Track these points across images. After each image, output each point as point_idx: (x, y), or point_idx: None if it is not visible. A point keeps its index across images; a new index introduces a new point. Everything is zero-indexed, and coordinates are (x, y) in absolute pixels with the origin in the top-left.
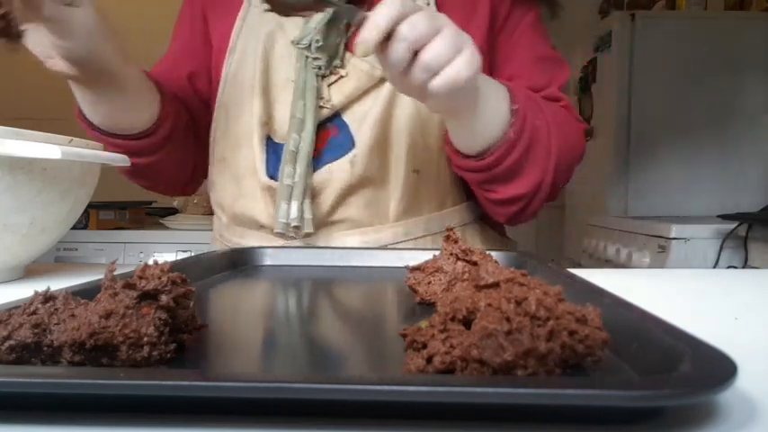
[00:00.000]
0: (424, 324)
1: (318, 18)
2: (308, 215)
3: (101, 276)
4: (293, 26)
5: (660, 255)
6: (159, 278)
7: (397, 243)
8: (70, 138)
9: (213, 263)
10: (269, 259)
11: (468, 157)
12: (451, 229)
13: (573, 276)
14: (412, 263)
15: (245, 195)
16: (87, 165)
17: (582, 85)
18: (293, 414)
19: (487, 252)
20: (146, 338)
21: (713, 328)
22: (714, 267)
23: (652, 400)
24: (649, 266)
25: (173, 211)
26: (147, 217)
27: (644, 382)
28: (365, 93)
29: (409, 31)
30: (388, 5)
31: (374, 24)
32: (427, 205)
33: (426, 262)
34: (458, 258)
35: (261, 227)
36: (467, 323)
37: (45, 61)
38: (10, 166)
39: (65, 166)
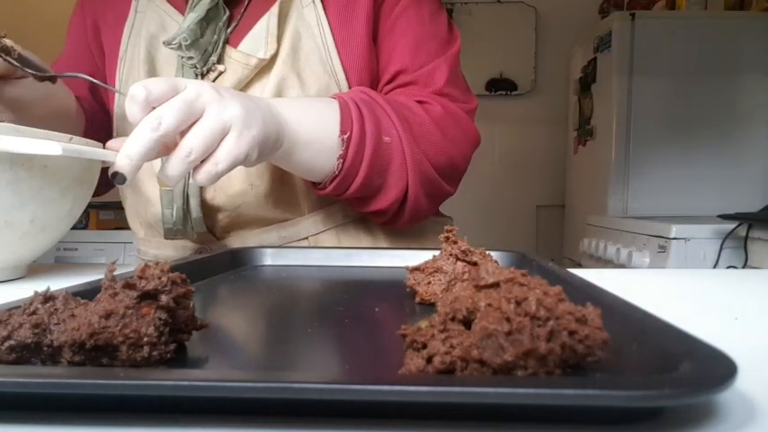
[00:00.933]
0: (424, 324)
1: (192, 17)
2: (195, 214)
3: (101, 276)
4: (175, 25)
5: (660, 255)
6: (159, 278)
7: (319, 233)
8: (70, 135)
9: (213, 263)
10: (269, 259)
11: (314, 184)
12: (451, 231)
13: (573, 276)
14: (412, 263)
15: (150, 200)
16: (87, 163)
17: (582, 85)
18: (293, 414)
19: (487, 252)
20: (146, 338)
21: (713, 328)
22: (714, 267)
23: (652, 400)
24: (649, 266)
25: None
26: None
27: (644, 382)
28: (248, 84)
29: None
30: (135, 135)
31: (126, 153)
32: (280, 213)
33: (426, 262)
34: (457, 259)
35: (174, 236)
36: (467, 323)
37: None
38: (10, 162)
39: (65, 164)
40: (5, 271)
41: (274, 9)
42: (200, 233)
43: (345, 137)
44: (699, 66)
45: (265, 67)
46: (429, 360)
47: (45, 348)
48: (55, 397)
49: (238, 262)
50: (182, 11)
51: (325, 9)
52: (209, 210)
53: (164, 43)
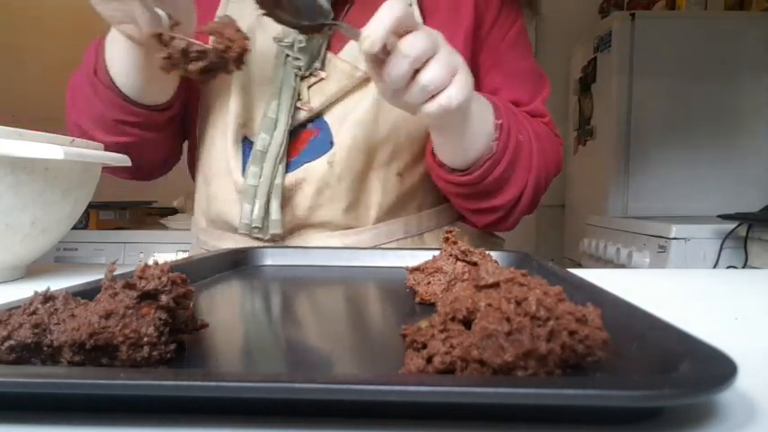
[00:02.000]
0: (424, 324)
1: None
2: (275, 216)
3: (101, 276)
4: (272, 23)
5: (660, 255)
6: (159, 278)
7: (378, 246)
8: (72, 138)
9: (213, 263)
10: (269, 259)
11: (452, 171)
12: (451, 231)
13: (573, 276)
14: (412, 263)
15: (216, 198)
16: (88, 165)
17: (582, 85)
18: (293, 414)
19: (487, 252)
20: (146, 338)
21: (713, 328)
22: (714, 267)
23: (652, 400)
24: (649, 266)
25: (173, 211)
26: (147, 217)
27: (644, 382)
28: (347, 94)
29: (410, 48)
30: (389, 8)
31: (379, 20)
32: (408, 207)
33: (426, 262)
34: (457, 259)
35: (236, 230)
36: (467, 323)
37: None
38: (12, 166)
39: (66, 167)
40: (5, 272)
41: None
42: (275, 234)
43: (499, 123)
44: (699, 65)
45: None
46: (429, 360)
47: (45, 348)
48: (55, 397)
49: (238, 262)
50: None
51: (425, 19)
52: (283, 210)
53: (274, 40)
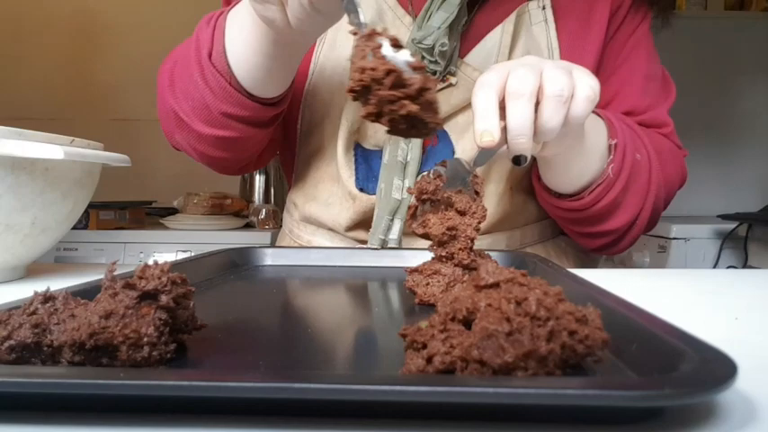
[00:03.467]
0: (424, 324)
1: (441, 17)
2: (394, 235)
3: (101, 276)
4: (393, 17)
5: (660, 255)
6: (159, 278)
7: None
8: (72, 138)
9: (213, 263)
10: (269, 259)
11: (559, 196)
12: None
13: (573, 276)
14: (412, 263)
15: (315, 199)
16: (88, 165)
17: None
18: (293, 414)
19: (487, 252)
20: (146, 338)
21: (713, 328)
22: (714, 267)
23: (652, 400)
24: (649, 266)
25: (173, 211)
26: (147, 217)
27: (644, 382)
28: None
29: (552, 89)
30: (481, 95)
31: (482, 113)
32: (514, 221)
33: (424, 264)
34: (458, 264)
35: (331, 230)
36: (467, 323)
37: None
38: (12, 166)
39: (66, 167)
40: (5, 272)
41: (508, 25)
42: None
43: (613, 143)
44: (698, 65)
45: None
46: (429, 360)
47: (45, 348)
48: (55, 397)
49: (238, 262)
50: (402, 4)
51: (557, 29)
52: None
53: (413, 41)
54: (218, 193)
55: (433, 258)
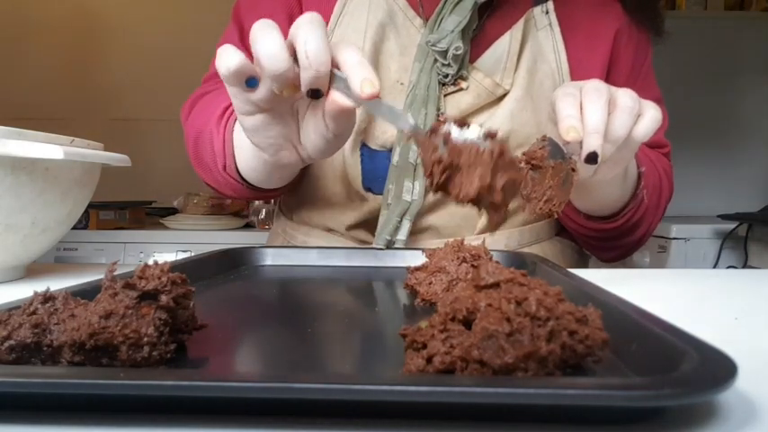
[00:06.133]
0: (424, 324)
1: (455, 20)
2: (401, 236)
3: (101, 276)
4: (404, 19)
5: (660, 255)
6: (159, 278)
7: None
8: (71, 138)
9: (213, 263)
10: (269, 259)
11: (590, 218)
12: (461, 242)
13: (573, 276)
14: (412, 263)
15: (316, 199)
16: (88, 165)
17: None
18: (293, 414)
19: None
20: (146, 338)
21: (713, 328)
22: (714, 267)
23: (652, 400)
24: (649, 266)
25: (173, 211)
26: (147, 217)
27: (644, 382)
28: (480, 109)
29: (624, 102)
30: (592, 104)
31: (595, 130)
32: (513, 222)
33: (427, 262)
34: (463, 260)
35: (329, 230)
36: (467, 323)
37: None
38: (12, 166)
39: (66, 167)
40: (5, 272)
41: (516, 31)
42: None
43: (643, 170)
44: (698, 65)
45: None
46: (429, 360)
47: (45, 348)
48: (55, 397)
49: (238, 262)
50: (413, 6)
51: (563, 34)
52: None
53: (427, 44)
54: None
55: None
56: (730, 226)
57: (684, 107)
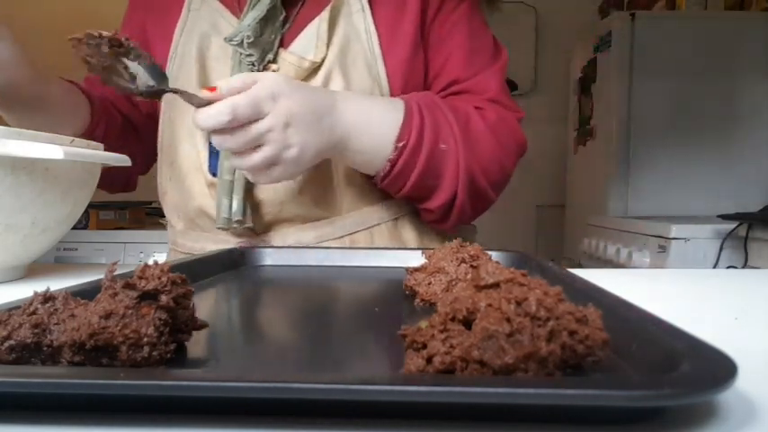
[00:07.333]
0: (424, 324)
1: (253, 15)
2: (250, 211)
3: (101, 276)
4: (227, 25)
5: (660, 255)
6: (159, 278)
7: (355, 233)
8: (71, 138)
9: (213, 263)
10: (269, 259)
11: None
12: (462, 243)
13: (573, 276)
14: (411, 263)
15: (192, 193)
16: (88, 165)
17: (582, 85)
18: (293, 414)
19: (487, 252)
20: (146, 339)
21: (713, 328)
22: (714, 267)
23: (652, 400)
24: (649, 266)
25: None
26: (147, 217)
27: (644, 382)
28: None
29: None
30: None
31: (218, 112)
32: (375, 195)
33: (426, 262)
34: (462, 261)
35: (213, 228)
36: (467, 323)
37: None
38: (12, 166)
39: (66, 167)
40: (5, 272)
41: (325, 14)
42: (249, 228)
43: (401, 145)
44: (699, 66)
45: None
46: (429, 360)
47: (45, 348)
48: (55, 397)
49: (238, 262)
50: (234, 11)
51: (373, 16)
52: (254, 206)
53: (225, 40)
54: None
55: (435, 254)
56: (730, 226)
57: (684, 107)
